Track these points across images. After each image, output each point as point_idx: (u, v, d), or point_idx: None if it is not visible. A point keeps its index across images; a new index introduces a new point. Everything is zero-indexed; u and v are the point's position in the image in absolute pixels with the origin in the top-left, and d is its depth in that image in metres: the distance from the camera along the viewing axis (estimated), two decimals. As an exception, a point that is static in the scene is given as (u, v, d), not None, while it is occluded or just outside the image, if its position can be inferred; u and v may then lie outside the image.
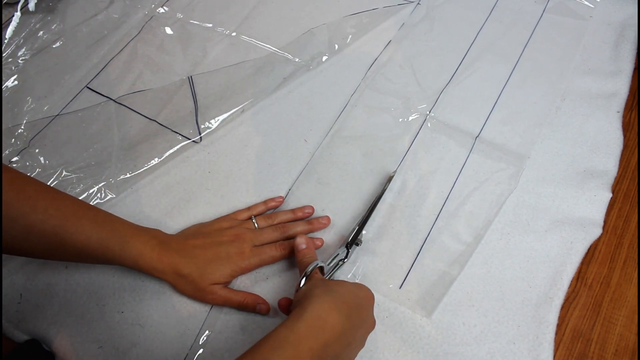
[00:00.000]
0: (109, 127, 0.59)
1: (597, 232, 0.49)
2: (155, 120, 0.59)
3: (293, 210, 0.52)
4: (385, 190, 0.52)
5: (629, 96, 0.59)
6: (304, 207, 0.52)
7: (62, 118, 0.60)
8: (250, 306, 0.46)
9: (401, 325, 0.45)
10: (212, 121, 0.58)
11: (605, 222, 0.50)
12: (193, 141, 0.57)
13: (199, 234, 0.48)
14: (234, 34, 0.67)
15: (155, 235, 0.45)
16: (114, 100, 0.61)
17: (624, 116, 0.57)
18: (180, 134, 0.58)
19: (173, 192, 0.54)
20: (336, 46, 0.64)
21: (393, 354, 0.44)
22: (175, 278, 0.44)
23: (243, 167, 0.56)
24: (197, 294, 0.45)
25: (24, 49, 0.66)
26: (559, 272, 0.47)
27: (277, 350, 0.32)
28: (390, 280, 0.48)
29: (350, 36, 0.65)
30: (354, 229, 0.49)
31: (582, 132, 0.56)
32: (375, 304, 0.46)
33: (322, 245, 0.50)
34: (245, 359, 0.32)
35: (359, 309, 0.38)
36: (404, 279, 0.48)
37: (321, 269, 0.44)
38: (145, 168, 0.55)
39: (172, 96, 0.61)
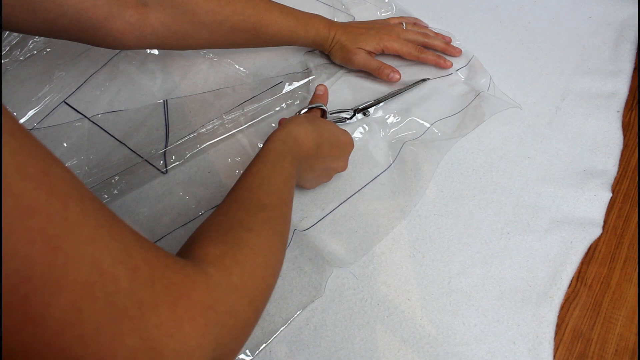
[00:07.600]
0: (80, 147, 0.56)
1: (597, 232, 0.49)
2: (125, 144, 0.56)
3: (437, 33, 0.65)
4: (412, 87, 0.59)
5: (628, 96, 0.59)
6: (445, 36, 0.64)
7: (36, 132, 0.57)
8: (384, 73, 0.58)
9: (401, 325, 0.45)
10: (183, 151, 0.55)
11: (605, 222, 0.50)
12: (160, 171, 0.54)
13: (357, 22, 0.64)
14: (215, 58, 0.64)
15: (323, 19, 0.60)
16: (88, 118, 0.58)
17: (624, 116, 0.57)
18: (148, 162, 0.54)
19: (135, 221, 0.51)
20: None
21: (393, 354, 0.44)
22: (335, 45, 0.60)
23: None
24: (345, 56, 0.60)
25: (9, 57, 0.63)
26: (558, 272, 0.47)
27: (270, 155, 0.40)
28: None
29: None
30: (368, 101, 0.58)
31: (582, 132, 0.56)
32: (375, 304, 0.46)
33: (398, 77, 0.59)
34: (254, 162, 0.39)
35: (331, 145, 0.46)
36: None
37: (323, 112, 0.52)
38: (113, 194, 0.52)
39: (146, 120, 0.58)
